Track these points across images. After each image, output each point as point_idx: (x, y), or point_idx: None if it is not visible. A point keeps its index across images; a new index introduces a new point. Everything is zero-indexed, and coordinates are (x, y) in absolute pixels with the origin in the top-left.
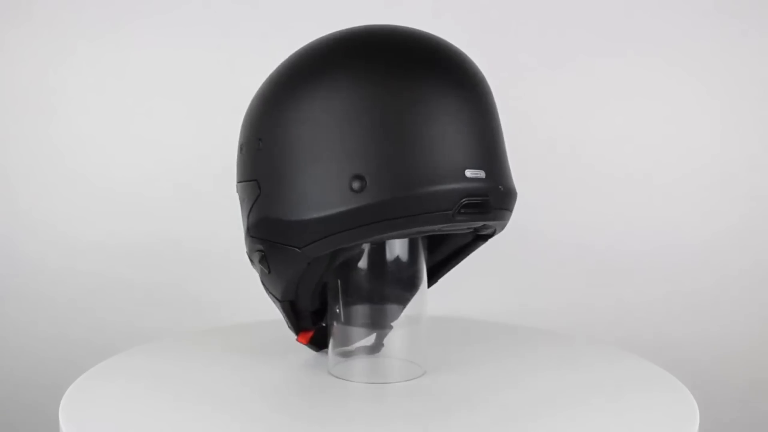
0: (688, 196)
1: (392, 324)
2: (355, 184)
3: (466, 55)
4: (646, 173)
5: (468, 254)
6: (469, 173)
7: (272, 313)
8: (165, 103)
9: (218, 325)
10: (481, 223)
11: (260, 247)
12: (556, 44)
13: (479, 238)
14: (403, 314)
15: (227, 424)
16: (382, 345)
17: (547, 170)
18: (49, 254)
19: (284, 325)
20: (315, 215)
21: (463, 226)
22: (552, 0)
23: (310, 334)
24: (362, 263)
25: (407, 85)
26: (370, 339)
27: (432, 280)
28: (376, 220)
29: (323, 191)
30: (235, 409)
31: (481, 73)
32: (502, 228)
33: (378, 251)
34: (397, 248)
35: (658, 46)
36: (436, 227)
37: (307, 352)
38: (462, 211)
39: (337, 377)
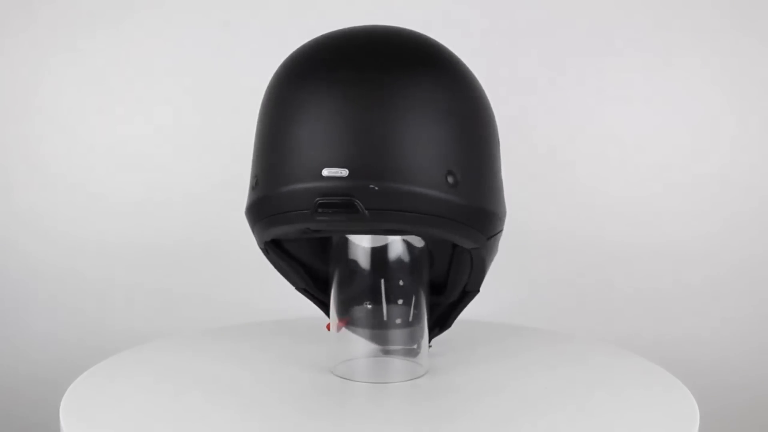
0: (687, 194)
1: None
2: (252, 182)
3: (389, 49)
4: (646, 172)
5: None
6: (326, 172)
7: (274, 313)
8: (165, 103)
9: (220, 325)
10: (346, 225)
11: None
12: (556, 44)
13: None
14: (404, 315)
15: (229, 423)
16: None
17: (547, 170)
18: (48, 255)
19: (286, 325)
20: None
21: (328, 226)
22: (554, 0)
23: (339, 323)
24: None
25: (283, 88)
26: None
27: (442, 327)
28: (261, 216)
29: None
30: (237, 408)
31: (398, 67)
32: (474, 245)
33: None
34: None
35: (660, 45)
36: (301, 226)
37: (309, 352)
38: (319, 210)
39: (339, 377)
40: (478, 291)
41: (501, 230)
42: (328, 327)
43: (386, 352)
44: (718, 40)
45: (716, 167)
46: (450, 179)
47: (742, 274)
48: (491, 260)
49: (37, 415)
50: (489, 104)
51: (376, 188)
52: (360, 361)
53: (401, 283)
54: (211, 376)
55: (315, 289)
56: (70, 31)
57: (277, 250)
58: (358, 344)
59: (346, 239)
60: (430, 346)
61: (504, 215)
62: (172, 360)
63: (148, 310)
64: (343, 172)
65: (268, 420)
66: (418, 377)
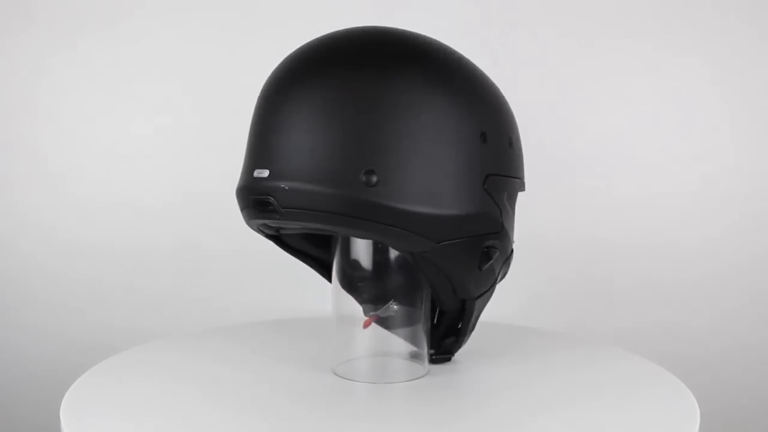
0: (687, 193)
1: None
2: None
3: (316, 53)
4: (644, 171)
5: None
6: (255, 173)
7: (274, 313)
8: (165, 104)
9: (222, 325)
10: (275, 221)
11: None
12: (557, 44)
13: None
14: (404, 314)
15: (229, 423)
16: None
17: (547, 171)
18: (48, 255)
19: (287, 325)
20: None
21: (255, 223)
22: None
23: (367, 321)
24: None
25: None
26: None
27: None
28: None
29: None
30: (238, 408)
31: (316, 69)
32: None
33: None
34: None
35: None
36: (248, 221)
37: (310, 352)
38: (253, 207)
39: (341, 377)
40: (473, 298)
41: (473, 235)
42: (365, 324)
43: (387, 353)
44: (718, 39)
45: (717, 167)
46: (367, 178)
47: (742, 274)
48: (471, 266)
49: (38, 416)
50: (444, 98)
51: (286, 188)
52: (361, 362)
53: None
54: (212, 376)
55: (325, 274)
56: (69, 31)
57: (278, 243)
58: (359, 344)
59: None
60: (451, 358)
61: (474, 218)
62: (172, 360)
63: (148, 310)
64: (264, 173)
65: (269, 420)
66: (420, 378)
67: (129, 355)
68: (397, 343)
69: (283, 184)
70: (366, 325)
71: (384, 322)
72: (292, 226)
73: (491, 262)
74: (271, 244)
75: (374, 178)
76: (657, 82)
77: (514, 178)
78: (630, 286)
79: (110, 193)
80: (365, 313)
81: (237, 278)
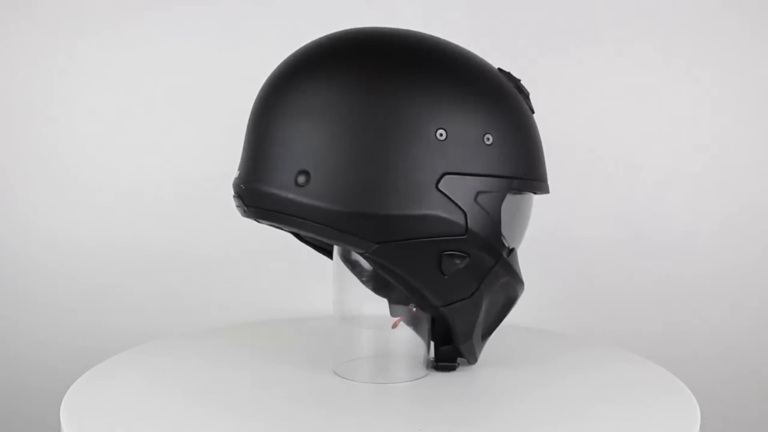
0: (688, 192)
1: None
2: None
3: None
4: (643, 170)
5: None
6: (235, 173)
7: (275, 313)
8: (165, 105)
9: (221, 325)
10: (255, 218)
11: None
12: (555, 44)
13: None
14: (406, 314)
15: (230, 424)
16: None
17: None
18: (48, 256)
19: (287, 325)
20: None
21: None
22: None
23: (397, 321)
24: None
25: None
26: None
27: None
28: None
29: None
30: (238, 408)
31: (283, 75)
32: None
33: None
34: None
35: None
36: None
37: (310, 352)
38: (235, 205)
39: (341, 377)
40: (444, 305)
41: (423, 237)
42: (394, 324)
43: (388, 353)
44: (718, 39)
45: (718, 167)
46: (300, 179)
47: (743, 273)
48: (429, 270)
49: (38, 417)
50: (388, 97)
51: (244, 187)
52: (362, 362)
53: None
54: (212, 376)
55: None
56: (68, 31)
57: (297, 237)
58: (360, 344)
59: None
60: (455, 367)
61: (420, 219)
62: (172, 360)
63: (148, 310)
64: (236, 174)
65: (269, 420)
66: (421, 378)
67: (129, 356)
68: (397, 344)
69: (242, 185)
70: (395, 325)
71: (409, 321)
72: (262, 224)
73: (457, 268)
74: (270, 244)
75: (305, 178)
76: (656, 80)
77: (495, 177)
78: (630, 286)
79: (109, 194)
80: (393, 313)
81: (237, 278)
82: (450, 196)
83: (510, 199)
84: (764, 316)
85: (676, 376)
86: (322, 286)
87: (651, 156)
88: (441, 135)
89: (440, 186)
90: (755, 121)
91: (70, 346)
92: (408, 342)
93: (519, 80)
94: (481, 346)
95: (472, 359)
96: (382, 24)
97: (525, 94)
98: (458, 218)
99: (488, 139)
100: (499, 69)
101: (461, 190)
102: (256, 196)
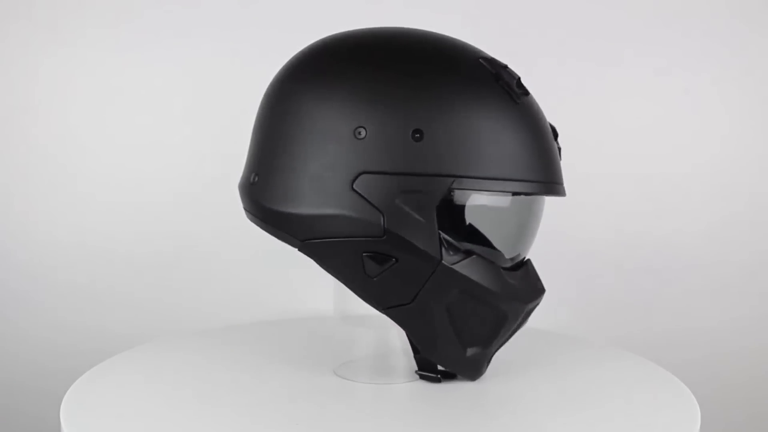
0: (687, 193)
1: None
2: None
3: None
4: (642, 169)
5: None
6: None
7: (275, 313)
8: (165, 105)
9: (221, 325)
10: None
11: None
12: (555, 44)
13: None
14: None
15: (230, 424)
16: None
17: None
18: (47, 257)
19: (287, 325)
20: None
21: None
22: (558, 2)
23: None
24: None
25: None
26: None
27: None
28: None
29: None
30: (238, 409)
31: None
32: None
33: None
34: None
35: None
36: None
37: (311, 353)
38: None
39: (341, 377)
40: (380, 308)
41: (340, 237)
42: None
43: (388, 353)
44: (718, 40)
45: (718, 166)
46: (252, 179)
47: (743, 273)
48: (352, 270)
49: (38, 417)
50: (311, 96)
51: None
52: (362, 362)
53: None
54: (212, 377)
55: None
56: (68, 31)
57: None
58: (360, 345)
59: None
60: (439, 379)
61: (333, 219)
62: (172, 360)
63: (147, 311)
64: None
65: (269, 421)
66: (420, 378)
67: (129, 356)
68: (397, 344)
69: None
70: None
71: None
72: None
73: (383, 270)
74: (270, 244)
75: (256, 179)
76: (656, 79)
77: (424, 176)
78: (630, 286)
79: (108, 195)
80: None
81: (237, 278)
82: (365, 195)
83: (492, 202)
84: (764, 317)
85: (676, 376)
86: (322, 286)
87: (652, 158)
88: (360, 133)
89: (355, 186)
90: (756, 121)
91: (70, 346)
92: (408, 342)
93: (505, 66)
94: (475, 363)
95: (464, 375)
96: (382, 24)
97: (508, 82)
98: (374, 219)
99: (417, 135)
100: (481, 58)
101: (379, 189)
102: (241, 189)
